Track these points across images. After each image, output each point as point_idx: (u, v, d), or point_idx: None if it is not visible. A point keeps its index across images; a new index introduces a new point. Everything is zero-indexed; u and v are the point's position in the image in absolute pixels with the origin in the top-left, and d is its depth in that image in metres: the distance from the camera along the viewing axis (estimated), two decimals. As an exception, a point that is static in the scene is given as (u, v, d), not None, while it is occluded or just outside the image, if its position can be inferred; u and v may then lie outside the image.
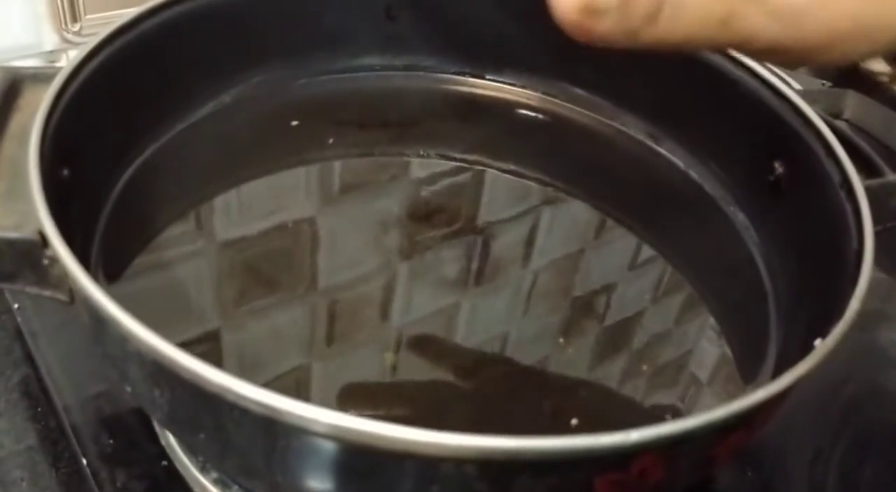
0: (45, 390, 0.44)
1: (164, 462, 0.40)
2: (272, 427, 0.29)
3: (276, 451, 0.30)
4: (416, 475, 0.30)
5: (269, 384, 0.39)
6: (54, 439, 0.42)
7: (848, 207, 0.40)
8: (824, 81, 0.62)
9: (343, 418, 0.28)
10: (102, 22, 0.45)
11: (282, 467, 0.31)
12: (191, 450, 0.39)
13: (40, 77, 0.39)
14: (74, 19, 0.54)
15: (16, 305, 0.46)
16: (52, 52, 0.55)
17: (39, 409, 0.44)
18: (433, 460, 0.29)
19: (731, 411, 0.31)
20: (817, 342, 0.34)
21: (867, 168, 0.43)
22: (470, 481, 0.30)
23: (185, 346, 0.38)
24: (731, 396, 0.42)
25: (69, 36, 0.54)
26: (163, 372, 0.30)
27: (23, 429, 0.43)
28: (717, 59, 0.48)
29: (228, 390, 0.28)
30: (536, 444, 0.29)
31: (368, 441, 0.28)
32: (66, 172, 0.38)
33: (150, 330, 0.29)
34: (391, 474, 0.30)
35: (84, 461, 0.41)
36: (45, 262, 0.34)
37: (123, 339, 0.30)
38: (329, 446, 0.29)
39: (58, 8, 0.53)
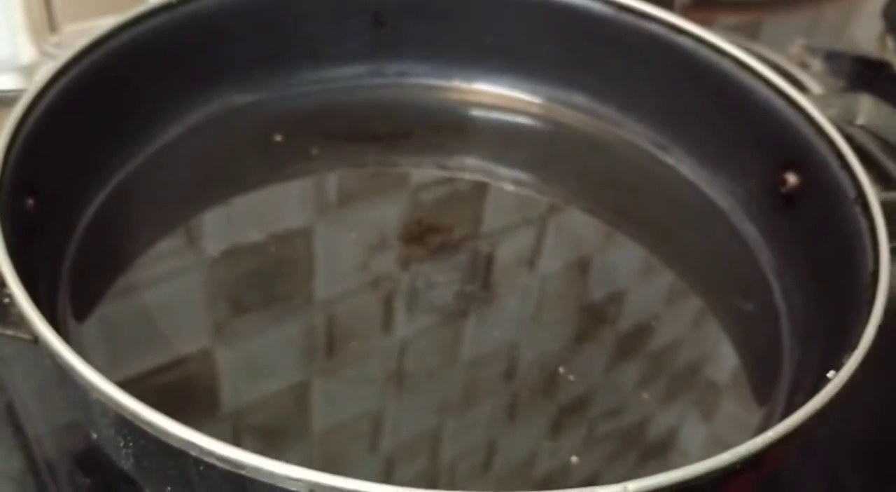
0: (17, 423, 0.42)
1: (143, 503, 0.39)
2: (239, 483, 0.27)
3: (245, 508, 0.29)
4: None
5: (260, 405, 0.37)
6: (36, 471, 0.41)
7: (863, 223, 0.38)
8: (841, 82, 0.60)
9: (312, 474, 0.26)
10: (82, 33, 0.43)
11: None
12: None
13: (4, 101, 0.38)
14: (52, 30, 0.52)
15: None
16: (29, 66, 0.53)
17: (22, 438, 0.42)
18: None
19: (736, 456, 0.29)
20: (830, 374, 0.32)
21: (883, 180, 0.41)
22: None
23: (160, 372, 0.38)
24: (744, 423, 0.39)
25: (48, 48, 0.52)
26: (125, 424, 0.29)
27: (7, 458, 0.42)
28: (728, 66, 0.46)
29: (192, 445, 0.27)
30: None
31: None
32: (30, 201, 0.36)
33: (110, 382, 0.28)
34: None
35: (59, 501, 0.39)
36: (6, 300, 0.33)
37: (83, 388, 0.29)
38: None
39: (35, 19, 0.52)
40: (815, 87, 0.58)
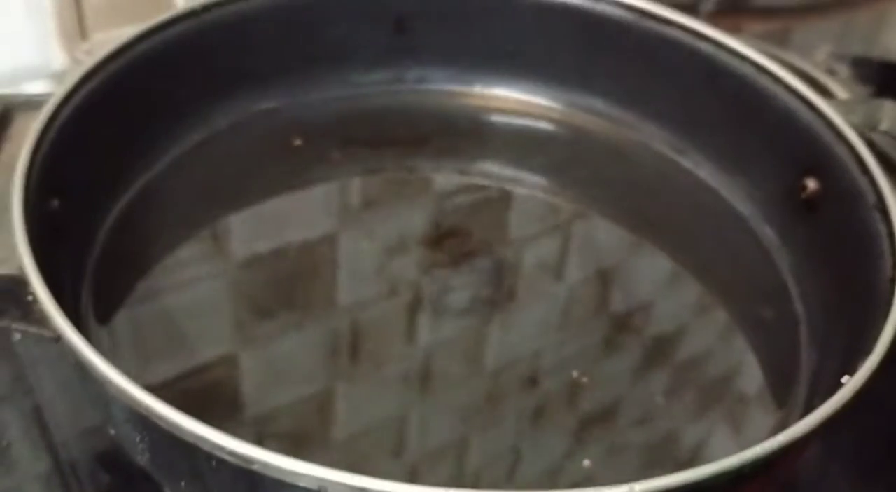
0: (44, 423, 0.43)
1: (163, 502, 0.39)
2: (250, 479, 0.28)
3: (256, 503, 0.29)
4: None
5: (283, 411, 0.38)
6: (61, 470, 0.42)
7: (882, 230, 0.38)
8: (869, 88, 0.59)
9: (321, 470, 0.26)
10: (112, 40, 0.44)
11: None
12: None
13: (32, 105, 0.38)
14: (84, 37, 0.53)
15: (17, 335, 0.46)
16: (60, 72, 0.54)
17: (47, 439, 0.43)
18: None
19: (744, 459, 0.29)
20: (845, 379, 0.32)
21: (905, 186, 0.41)
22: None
23: (182, 377, 0.38)
24: (761, 428, 0.39)
25: (79, 55, 0.53)
26: (140, 419, 0.29)
27: (35, 457, 0.42)
28: (749, 71, 0.46)
29: (204, 440, 0.27)
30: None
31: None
32: (56, 202, 0.37)
33: (128, 377, 0.29)
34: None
35: (82, 499, 0.40)
36: (30, 297, 0.33)
37: (102, 383, 0.30)
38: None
39: (66, 26, 0.53)
40: (842, 94, 0.58)
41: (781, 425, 0.38)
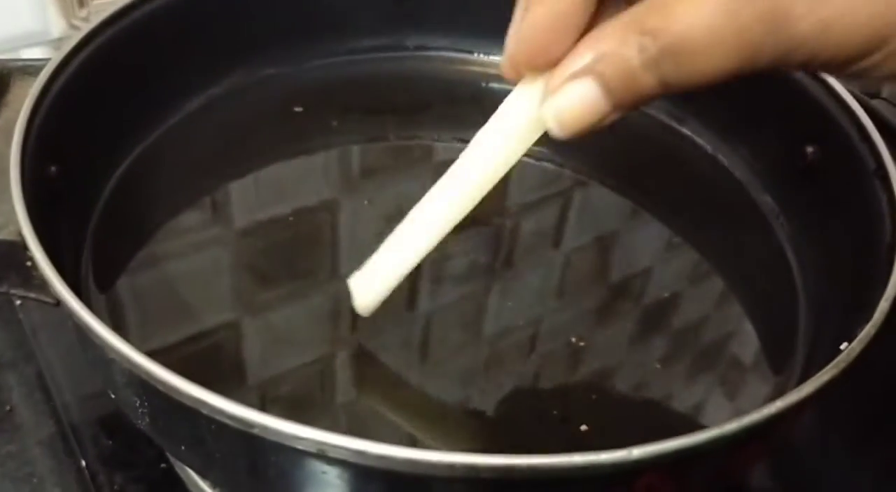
0: (47, 388, 0.43)
1: (163, 465, 0.40)
2: (249, 442, 0.28)
3: (255, 465, 0.29)
4: (403, 494, 0.29)
5: (285, 377, 0.38)
6: (64, 435, 0.42)
7: (882, 196, 0.38)
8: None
9: (318, 433, 0.27)
10: (110, 6, 0.44)
11: (262, 482, 0.30)
12: (178, 460, 0.39)
13: (29, 70, 0.38)
14: (81, 4, 0.53)
15: (18, 301, 0.46)
16: (59, 39, 0.54)
17: (52, 403, 0.43)
18: (420, 479, 0.28)
19: (741, 425, 0.29)
20: (843, 346, 0.32)
21: (905, 153, 0.41)
22: (461, 500, 0.29)
23: (182, 343, 0.38)
24: (758, 395, 0.39)
25: (77, 22, 0.53)
26: (140, 383, 0.29)
27: (37, 423, 0.43)
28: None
29: (203, 403, 0.27)
30: (529, 462, 0.28)
31: (350, 459, 0.27)
32: (54, 169, 0.37)
33: (126, 341, 0.29)
34: None
35: (83, 463, 0.40)
36: (29, 263, 0.34)
37: (102, 348, 0.30)
38: (312, 464, 0.28)
39: (65, -8, 0.52)
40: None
41: (778, 392, 0.38)
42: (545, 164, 0.49)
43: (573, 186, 0.49)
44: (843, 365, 0.31)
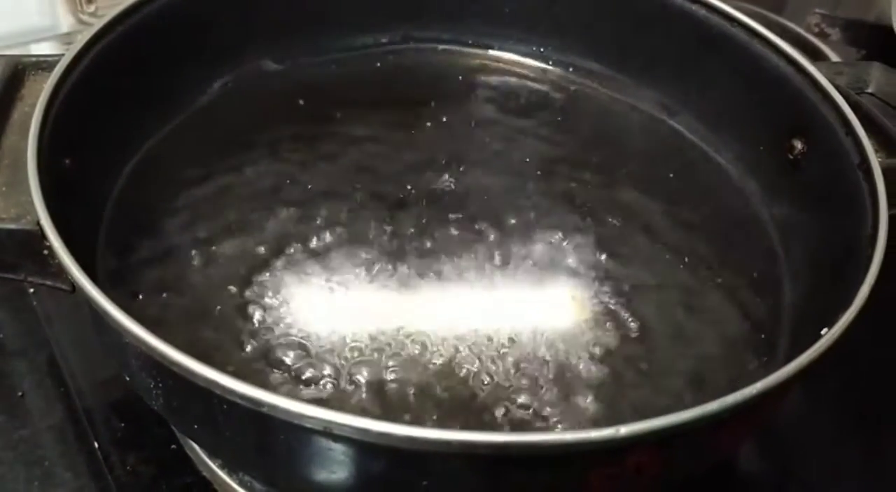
0: (60, 374, 0.44)
1: (173, 446, 0.41)
2: (259, 421, 0.29)
3: (264, 443, 0.31)
4: (404, 470, 0.30)
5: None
6: (76, 420, 0.43)
7: (865, 188, 0.39)
8: (861, 51, 0.60)
9: (330, 413, 0.28)
10: (118, 2, 0.45)
11: (271, 458, 0.31)
12: (190, 439, 0.40)
13: (43, 65, 0.39)
14: (89, 0, 0.54)
15: (32, 290, 0.47)
16: (67, 34, 0.55)
17: (62, 389, 0.45)
18: (419, 455, 0.29)
19: (724, 405, 0.30)
20: (824, 331, 0.33)
21: (888, 146, 0.42)
22: (458, 476, 0.30)
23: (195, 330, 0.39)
24: (743, 378, 0.40)
25: (85, 17, 0.54)
26: (155, 365, 0.30)
27: (48, 408, 0.44)
28: (739, 34, 0.47)
29: (216, 384, 0.29)
30: (522, 439, 0.29)
31: (354, 436, 0.28)
32: (68, 161, 0.38)
33: (143, 326, 0.30)
34: (381, 469, 0.30)
35: (96, 444, 0.41)
36: (45, 252, 0.35)
37: (118, 332, 0.31)
38: (318, 441, 0.29)
39: (73, -13, 0.53)
40: (833, 56, 0.59)
41: (762, 375, 0.40)
42: (542, 145, 0.50)
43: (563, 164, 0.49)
44: (823, 349, 0.32)
